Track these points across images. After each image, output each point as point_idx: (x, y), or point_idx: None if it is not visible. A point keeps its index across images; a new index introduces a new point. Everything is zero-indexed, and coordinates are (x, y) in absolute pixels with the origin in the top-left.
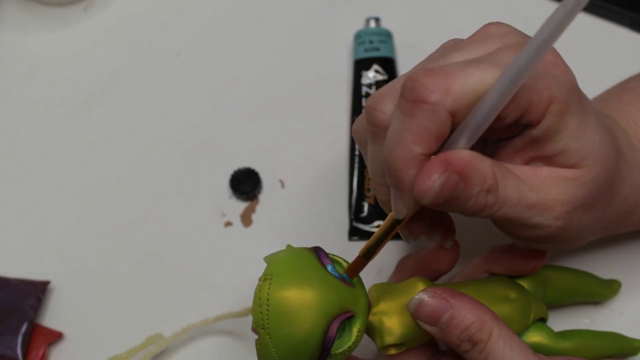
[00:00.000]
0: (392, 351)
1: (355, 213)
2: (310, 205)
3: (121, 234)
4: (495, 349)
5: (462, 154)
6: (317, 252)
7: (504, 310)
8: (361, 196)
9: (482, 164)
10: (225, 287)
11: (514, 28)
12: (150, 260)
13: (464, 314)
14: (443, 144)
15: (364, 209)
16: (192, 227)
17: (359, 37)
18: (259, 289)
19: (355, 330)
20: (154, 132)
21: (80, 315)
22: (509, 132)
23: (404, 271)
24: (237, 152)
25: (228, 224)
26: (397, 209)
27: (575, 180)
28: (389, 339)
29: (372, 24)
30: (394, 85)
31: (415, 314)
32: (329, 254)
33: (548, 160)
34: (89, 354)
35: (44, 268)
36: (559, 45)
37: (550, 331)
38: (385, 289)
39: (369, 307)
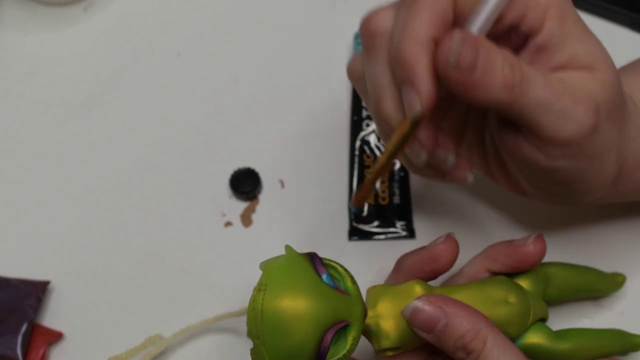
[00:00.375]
0: (389, 353)
1: (355, 213)
2: (310, 205)
3: (121, 234)
4: (489, 357)
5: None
6: (313, 259)
7: (502, 314)
8: None
9: (496, 46)
10: (225, 287)
11: None
12: (150, 260)
13: (459, 322)
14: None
15: (364, 208)
16: (192, 227)
17: (358, 37)
18: (253, 299)
19: (350, 338)
20: (154, 132)
21: (80, 315)
22: (511, 43)
23: (402, 271)
24: (237, 152)
25: (228, 224)
26: (411, 105)
27: (594, 79)
28: (386, 343)
29: None
30: (390, 2)
31: (410, 321)
32: (324, 259)
33: (561, 69)
34: (89, 354)
35: (44, 268)
36: None
37: (549, 332)
38: (383, 291)
39: (365, 314)
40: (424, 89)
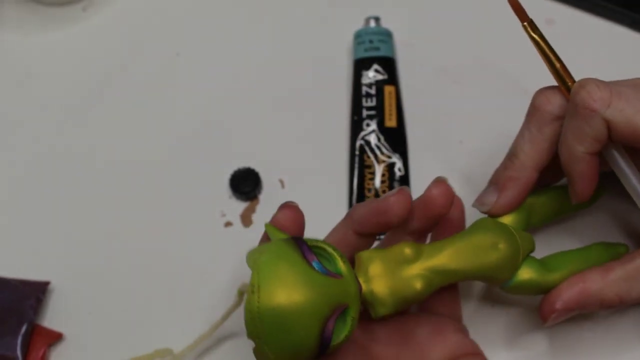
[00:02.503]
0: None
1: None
2: (310, 205)
3: (121, 234)
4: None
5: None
6: (300, 246)
7: (493, 260)
8: (361, 196)
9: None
10: (225, 287)
11: None
12: (150, 260)
13: None
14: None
15: None
16: (192, 227)
17: (359, 36)
18: (248, 302)
19: (349, 319)
20: (153, 132)
21: (80, 315)
22: None
23: (353, 218)
24: (237, 152)
25: (228, 224)
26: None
27: None
28: (382, 310)
29: (372, 23)
30: (558, 91)
31: None
32: (310, 240)
33: None
34: (89, 354)
35: (43, 268)
36: (560, 44)
37: (538, 265)
38: (372, 256)
39: (360, 290)
40: (578, 189)
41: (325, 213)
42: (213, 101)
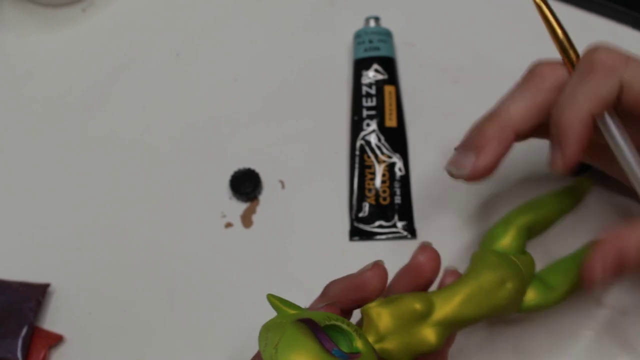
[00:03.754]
0: None
1: (355, 213)
2: (310, 206)
3: (121, 236)
4: None
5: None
6: (317, 334)
7: (503, 300)
8: (361, 196)
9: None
10: (225, 288)
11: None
12: (150, 262)
13: None
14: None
15: (365, 209)
16: (192, 228)
17: (358, 36)
18: None
19: None
20: (153, 133)
21: (80, 317)
22: None
23: (328, 297)
24: (237, 152)
25: (228, 225)
26: (554, 163)
27: None
28: None
29: (372, 23)
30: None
31: None
32: (322, 318)
33: None
34: (90, 356)
35: (43, 271)
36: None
37: (539, 288)
38: (380, 311)
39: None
40: (568, 153)
41: (325, 213)
42: (213, 102)
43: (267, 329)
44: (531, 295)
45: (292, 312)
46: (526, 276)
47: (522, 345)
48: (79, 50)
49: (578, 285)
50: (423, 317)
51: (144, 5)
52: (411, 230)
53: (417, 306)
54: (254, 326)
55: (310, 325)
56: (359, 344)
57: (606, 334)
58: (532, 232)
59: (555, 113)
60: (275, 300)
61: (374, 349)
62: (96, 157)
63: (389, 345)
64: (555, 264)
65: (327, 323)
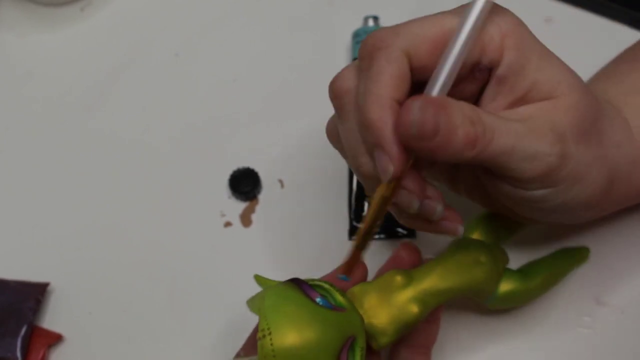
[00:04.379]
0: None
1: (355, 212)
2: (310, 205)
3: (120, 235)
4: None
5: (434, 95)
6: (301, 286)
7: (479, 275)
8: (361, 196)
9: (457, 101)
10: (225, 287)
11: None
12: (150, 261)
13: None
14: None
15: (364, 208)
16: (191, 227)
17: (357, 35)
18: (261, 347)
19: (358, 350)
20: (152, 132)
21: (79, 316)
22: (475, 80)
23: None
24: (236, 152)
25: (227, 224)
26: (384, 168)
27: (556, 108)
28: (384, 339)
29: (371, 22)
30: (350, 63)
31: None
32: (309, 280)
33: (523, 100)
34: (89, 355)
35: (43, 270)
36: (559, 42)
37: (517, 275)
38: (364, 289)
39: (363, 320)
40: (393, 152)
41: (325, 213)
42: (212, 101)
43: (254, 295)
44: (507, 282)
45: (275, 283)
46: (499, 255)
47: (518, 342)
48: (79, 50)
49: (554, 281)
50: (403, 287)
51: (142, 4)
52: (411, 230)
53: (398, 277)
54: (253, 325)
55: (295, 281)
56: (342, 301)
57: (604, 332)
58: (501, 230)
59: (359, 117)
60: (261, 278)
61: (358, 311)
62: (96, 157)
63: (374, 317)
64: (532, 261)
65: (311, 283)
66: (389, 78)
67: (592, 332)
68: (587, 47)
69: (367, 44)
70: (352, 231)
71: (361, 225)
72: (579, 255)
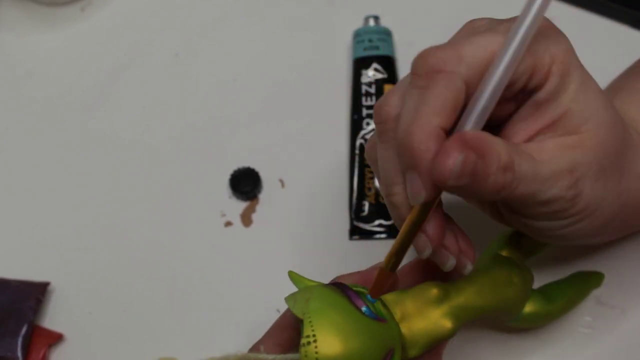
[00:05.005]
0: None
1: (355, 212)
2: (310, 205)
3: (121, 234)
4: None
5: (475, 132)
6: (346, 292)
7: (511, 295)
8: (362, 195)
9: (495, 142)
10: (225, 287)
11: (495, 19)
12: (150, 261)
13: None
14: (457, 120)
15: (365, 208)
16: (191, 227)
17: (358, 35)
18: (305, 354)
19: None
20: (153, 132)
21: (80, 316)
22: (517, 101)
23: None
24: (236, 151)
25: (228, 223)
26: (415, 194)
27: (579, 146)
28: (414, 351)
29: (372, 22)
30: (398, 84)
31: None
32: (352, 286)
33: (551, 128)
34: (90, 355)
35: (43, 269)
36: None
37: (541, 298)
38: (399, 297)
39: (400, 333)
40: (427, 179)
41: (325, 212)
42: (212, 101)
43: (294, 293)
44: (531, 304)
45: (314, 283)
46: (528, 277)
47: (518, 341)
48: (79, 50)
49: (573, 305)
50: (440, 301)
51: (142, 4)
52: None
53: (434, 290)
54: (253, 325)
55: (340, 286)
56: (384, 311)
57: (605, 332)
58: (530, 248)
59: (401, 136)
60: (296, 275)
61: (397, 323)
62: (96, 157)
63: (406, 328)
64: (554, 282)
65: (354, 288)
66: (443, 106)
67: (592, 332)
68: (588, 47)
69: (427, 63)
70: (353, 230)
71: (391, 250)
72: (594, 280)
